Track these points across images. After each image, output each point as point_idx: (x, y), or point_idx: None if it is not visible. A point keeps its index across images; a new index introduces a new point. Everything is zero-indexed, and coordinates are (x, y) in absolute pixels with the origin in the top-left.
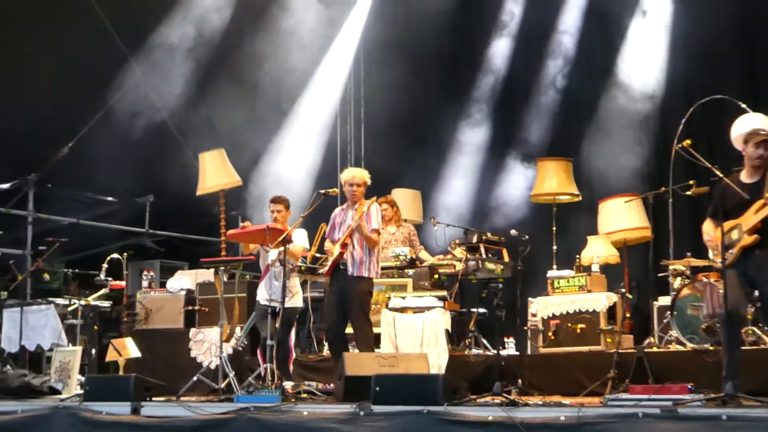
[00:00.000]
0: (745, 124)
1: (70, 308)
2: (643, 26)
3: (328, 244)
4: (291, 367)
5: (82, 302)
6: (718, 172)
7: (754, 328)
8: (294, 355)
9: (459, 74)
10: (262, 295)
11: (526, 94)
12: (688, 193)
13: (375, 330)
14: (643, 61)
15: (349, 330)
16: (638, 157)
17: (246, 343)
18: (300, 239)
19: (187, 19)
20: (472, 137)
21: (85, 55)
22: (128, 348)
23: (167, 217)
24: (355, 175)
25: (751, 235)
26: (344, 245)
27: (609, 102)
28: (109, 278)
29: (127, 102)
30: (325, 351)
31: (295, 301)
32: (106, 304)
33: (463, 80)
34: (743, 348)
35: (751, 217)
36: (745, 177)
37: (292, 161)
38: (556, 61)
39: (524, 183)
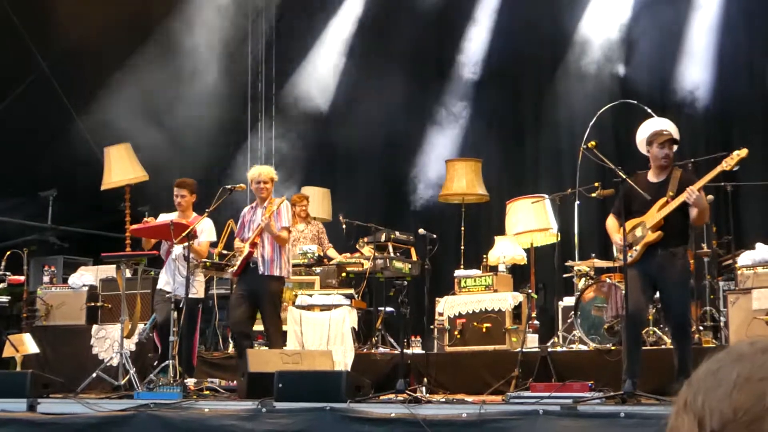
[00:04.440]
0: (650, 127)
1: None
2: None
3: (237, 243)
4: (195, 362)
5: None
6: (621, 173)
7: (655, 329)
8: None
9: (374, 68)
10: (164, 283)
11: (439, 89)
12: (593, 195)
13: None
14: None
15: (256, 327)
16: (547, 157)
17: (151, 335)
18: (206, 233)
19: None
20: (383, 133)
21: None
22: (26, 344)
23: (71, 212)
24: (262, 172)
25: (655, 231)
26: (254, 244)
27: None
28: (8, 273)
29: (31, 94)
30: (230, 348)
31: (198, 291)
32: (5, 299)
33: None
34: (644, 348)
35: (654, 215)
36: (651, 176)
37: (204, 156)
38: (469, 58)
39: (434, 182)
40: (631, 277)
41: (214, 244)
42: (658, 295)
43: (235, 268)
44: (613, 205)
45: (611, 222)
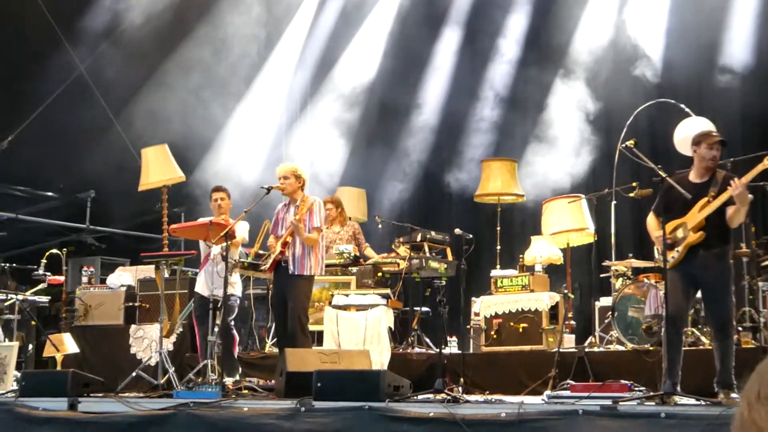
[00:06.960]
0: (690, 127)
1: (6, 303)
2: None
3: (271, 240)
4: (236, 351)
5: (20, 297)
6: (661, 172)
7: (694, 329)
8: (238, 338)
9: (408, 81)
10: (202, 288)
11: (470, 94)
12: (631, 195)
13: (318, 327)
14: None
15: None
16: (584, 157)
17: (182, 328)
18: (240, 231)
19: (130, 9)
20: (417, 135)
21: (23, 48)
22: (66, 344)
23: (109, 213)
24: (283, 167)
25: (697, 232)
26: (285, 243)
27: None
28: (48, 273)
29: (68, 96)
30: (267, 348)
31: (234, 290)
32: (44, 299)
33: (410, 88)
34: (683, 349)
35: (696, 215)
36: (694, 177)
37: (238, 158)
38: (501, 64)
39: (469, 183)
40: (671, 278)
41: (249, 245)
42: (699, 295)
43: (268, 265)
44: (654, 204)
45: (652, 221)
